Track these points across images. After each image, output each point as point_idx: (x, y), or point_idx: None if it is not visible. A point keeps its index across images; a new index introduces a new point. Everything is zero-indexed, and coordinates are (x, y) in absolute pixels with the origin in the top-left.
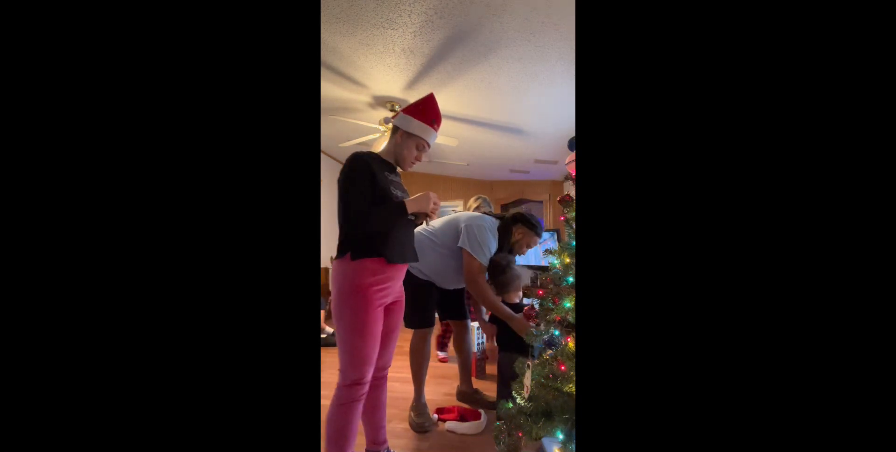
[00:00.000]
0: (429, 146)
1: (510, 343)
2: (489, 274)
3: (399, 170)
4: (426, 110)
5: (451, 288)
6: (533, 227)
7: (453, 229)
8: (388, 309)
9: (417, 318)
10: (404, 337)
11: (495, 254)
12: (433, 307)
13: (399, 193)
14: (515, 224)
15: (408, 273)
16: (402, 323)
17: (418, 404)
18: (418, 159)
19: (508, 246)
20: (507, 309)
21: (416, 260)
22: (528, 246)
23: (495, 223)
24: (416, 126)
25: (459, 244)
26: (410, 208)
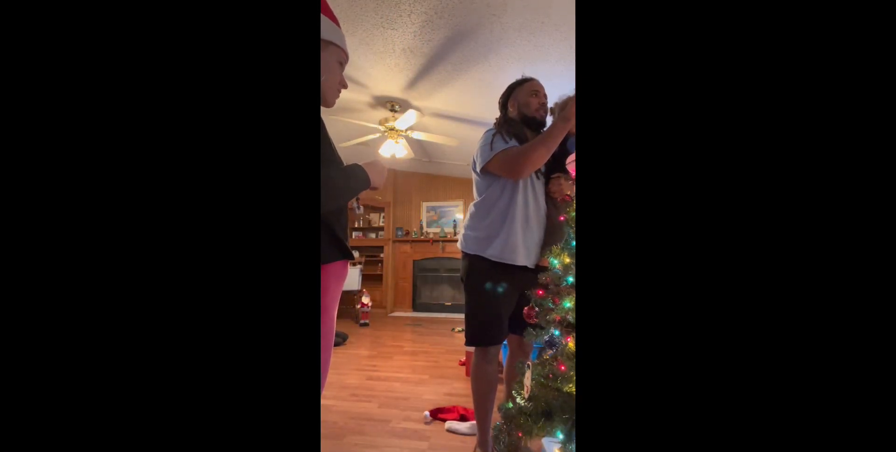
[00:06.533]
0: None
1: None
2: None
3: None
4: (322, 2)
5: (537, 251)
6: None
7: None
8: None
9: (485, 330)
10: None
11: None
12: (509, 311)
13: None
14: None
15: (468, 257)
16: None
17: (484, 447)
18: (344, 85)
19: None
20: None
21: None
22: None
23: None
24: (329, 28)
25: (476, 168)
26: (373, 179)
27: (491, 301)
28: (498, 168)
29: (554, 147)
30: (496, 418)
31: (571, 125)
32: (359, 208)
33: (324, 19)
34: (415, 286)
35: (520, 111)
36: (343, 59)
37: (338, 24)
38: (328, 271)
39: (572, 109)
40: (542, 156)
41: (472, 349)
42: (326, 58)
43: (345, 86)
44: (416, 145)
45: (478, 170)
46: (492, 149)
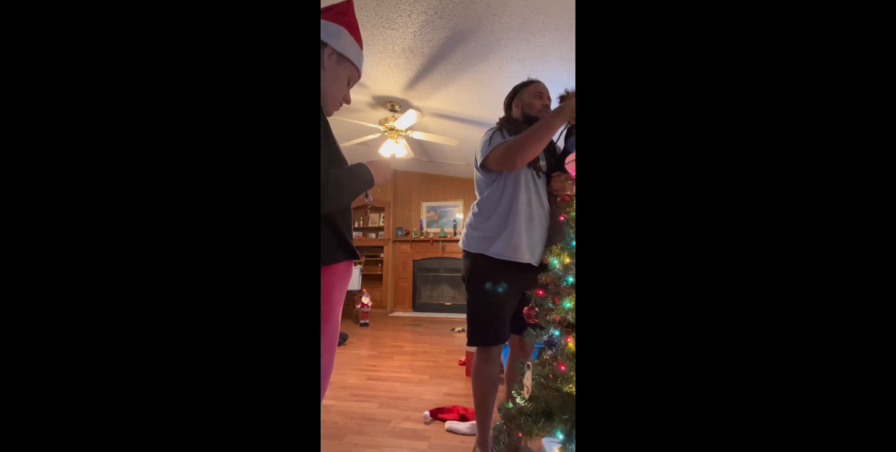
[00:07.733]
0: (358, 77)
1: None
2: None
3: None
4: (352, 22)
5: (541, 249)
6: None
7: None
8: None
9: (488, 330)
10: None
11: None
12: (511, 311)
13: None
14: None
15: (471, 256)
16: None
17: (483, 447)
18: (347, 100)
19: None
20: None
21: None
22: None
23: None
24: (349, 45)
25: (477, 165)
26: (376, 177)
27: (494, 300)
28: (494, 162)
29: (547, 139)
30: (496, 418)
31: (565, 119)
32: (367, 196)
33: (348, 37)
34: (415, 286)
35: (523, 111)
36: (354, 77)
37: (361, 45)
38: (334, 271)
39: (569, 104)
40: (535, 147)
41: (473, 349)
42: (339, 72)
43: (347, 102)
44: (416, 145)
45: (478, 166)
46: (490, 144)
